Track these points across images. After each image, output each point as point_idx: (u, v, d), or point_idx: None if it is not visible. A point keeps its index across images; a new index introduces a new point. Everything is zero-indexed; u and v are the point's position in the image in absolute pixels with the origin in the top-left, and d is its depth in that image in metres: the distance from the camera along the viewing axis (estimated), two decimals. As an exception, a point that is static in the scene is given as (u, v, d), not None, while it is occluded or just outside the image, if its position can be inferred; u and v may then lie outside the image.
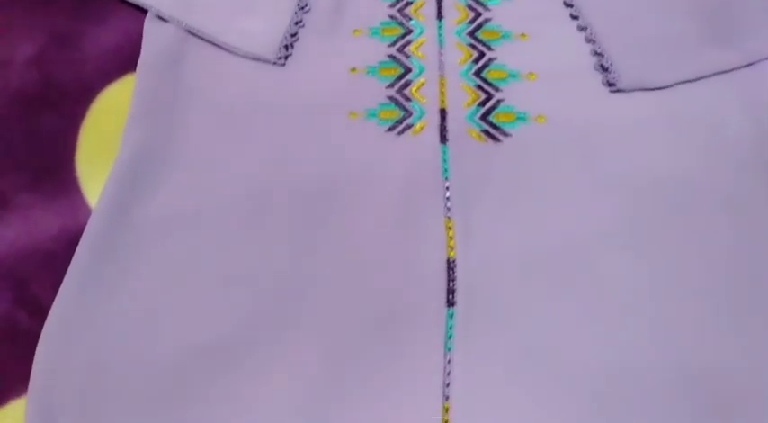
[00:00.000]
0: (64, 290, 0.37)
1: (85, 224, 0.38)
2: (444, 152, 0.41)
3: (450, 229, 0.39)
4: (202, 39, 0.44)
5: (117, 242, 0.38)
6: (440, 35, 0.45)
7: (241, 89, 0.43)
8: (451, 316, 0.37)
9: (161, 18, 0.44)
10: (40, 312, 0.36)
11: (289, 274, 0.38)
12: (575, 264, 0.38)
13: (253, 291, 0.37)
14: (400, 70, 0.44)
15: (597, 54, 0.44)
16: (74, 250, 0.37)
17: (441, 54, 0.44)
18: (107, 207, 0.38)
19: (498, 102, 0.43)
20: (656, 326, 0.37)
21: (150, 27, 0.44)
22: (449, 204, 0.39)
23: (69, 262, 0.37)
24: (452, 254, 0.38)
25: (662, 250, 0.38)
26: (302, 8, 0.45)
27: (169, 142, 0.41)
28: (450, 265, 0.38)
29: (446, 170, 0.40)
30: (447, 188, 0.40)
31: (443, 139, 0.41)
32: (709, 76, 0.43)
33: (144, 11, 0.44)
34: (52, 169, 0.41)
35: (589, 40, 0.44)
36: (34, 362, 0.35)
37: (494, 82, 0.43)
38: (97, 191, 0.39)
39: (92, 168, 0.41)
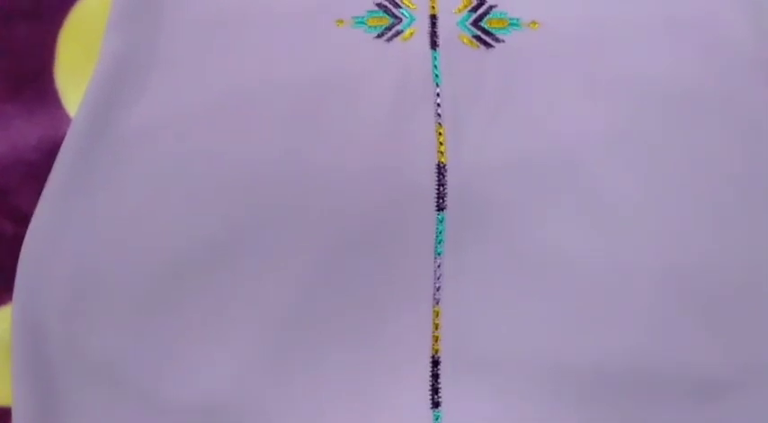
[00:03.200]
0: (45, 199, 0.36)
1: (65, 134, 0.37)
2: (435, 58, 0.40)
3: (440, 134, 0.38)
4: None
5: (99, 148, 0.37)
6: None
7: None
8: (441, 220, 0.36)
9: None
10: (23, 221, 0.36)
11: (276, 179, 0.37)
12: (568, 167, 0.37)
13: (239, 195, 0.37)
14: (390, -7, 0.42)
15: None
16: (54, 160, 0.36)
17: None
18: (88, 113, 0.37)
19: (490, 8, 0.41)
20: (650, 228, 0.36)
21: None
22: (439, 110, 0.38)
23: (50, 172, 0.36)
24: (443, 159, 0.37)
25: (658, 152, 0.38)
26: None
27: (151, 47, 0.39)
28: (441, 170, 0.37)
29: (436, 76, 0.39)
30: (437, 94, 0.39)
31: (434, 44, 0.40)
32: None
33: None
34: (31, 80, 0.40)
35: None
36: (18, 269, 0.35)
37: (487, -9, 0.42)
38: (77, 101, 0.38)
39: (71, 78, 0.40)
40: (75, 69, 0.40)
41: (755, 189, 0.37)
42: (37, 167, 0.38)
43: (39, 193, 0.36)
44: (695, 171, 0.37)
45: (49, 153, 0.37)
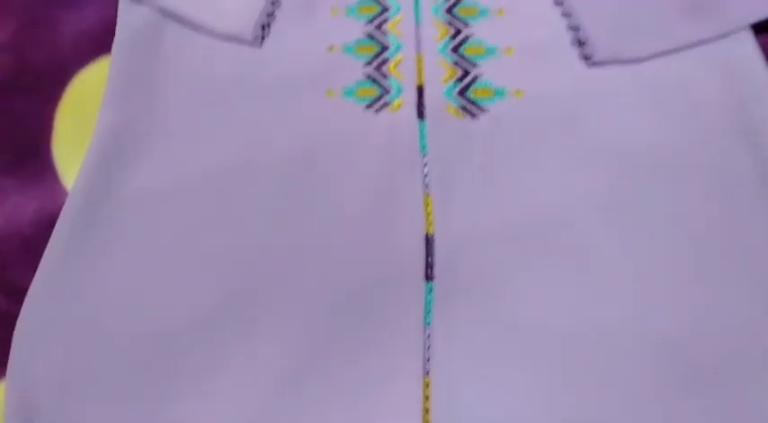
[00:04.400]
0: (41, 272, 0.37)
1: (62, 207, 0.38)
2: (422, 128, 0.41)
3: (428, 204, 0.39)
4: (178, 20, 0.44)
5: (94, 222, 0.38)
6: (417, 13, 0.44)
7: (218, 68, 0.43)
8: (430, 290, 0.37)
9: (136, 0, 0.44)
10: (17, 295, 0.36)
11: (267, 249, 0.38)
12: (553, 235, 0.38)
13: (232, 265, 0.37)
14: (377, 48, 0.43)
15: (573, 28, 0.43)
16: (51, 233, 0.37)
17: (418, 31, 0.44)
18: (84, 187, 0.38)
19: (475, 77, 0.42)
20: (635, 295, 0.37)
21: (125, 9, 0.43)
22: (427, 180, 0.39)
23: (46, 245, 0.37)
24: (431, 229, 0.38)
25: (641, 219, 0.39)
26: (278, -13, 0.45)
27: (145, 119, 0.41)
28: (429, 241, 0.38)
29: (424, 146, 0.40)
30: (425, 164, 0.40)
31: (421, 115, 0.41)
32: (686, 47, 0.43)
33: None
34: (28, 152, 0.41)
35: (565, 15, 0.44)
36: (12, 344, 0.35)
37: (471, 58, 0.43)
38: (74, 174, 0.39)
39: (68, 151, 0.41)
40: (73, 142, 0.41)
41: (738, 254, 0.38)
42: (32, 241, 0.38)
43: (34, 267, 0.37)
44: (678, 238, 0.38)
45: (46, 226, 0.38)
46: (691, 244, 0.38)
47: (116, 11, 0.43)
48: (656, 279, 0.37)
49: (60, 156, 0.41)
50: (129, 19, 0.43)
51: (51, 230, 0.37)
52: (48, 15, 0.45)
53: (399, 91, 0.42)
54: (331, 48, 0.43)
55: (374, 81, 0.42)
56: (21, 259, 0.38)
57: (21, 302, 0.36)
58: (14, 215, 0.39)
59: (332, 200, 0.39)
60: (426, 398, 0.35)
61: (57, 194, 0.40)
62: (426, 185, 0.39)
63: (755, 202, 0.39)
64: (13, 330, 0.35)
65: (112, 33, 0.43)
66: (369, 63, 0.43)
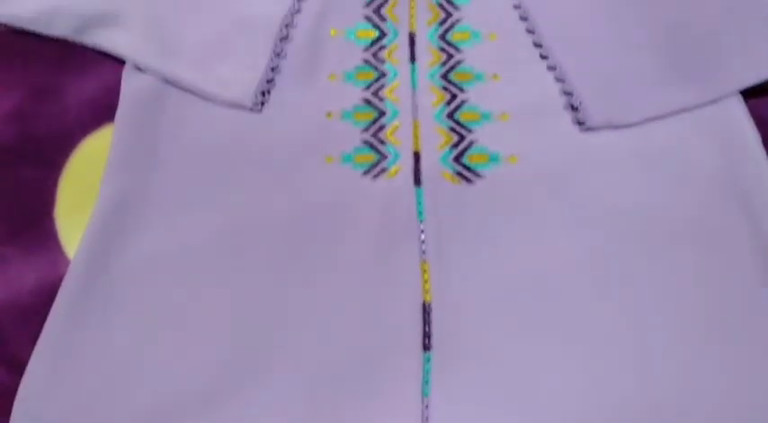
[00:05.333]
0: (41, 345, 0.37)
1: (63, 276, 0.38)
2: (418, 195, 0.41)
3: (425, 271, 0.39)
4: (179, 87, 0.45)
5: (95, 293, 0.38)
6: (413, 78, 0.46)
7: (218, 135, 0.44)
8: (428, 360, 0.37)
9: (139, 68, 0.45)
10: (17, 368, 0.36)
11: (265, 319, 0.38)
12: (549, 302, 0.39)
13: (230, 335, 0.38)
14: (375, 114, 0.44)
15: (567, 93, 0.44)
16: (52, 304, 0.37)
17: (414, 97, 0.45)
18: (84, 259, 0.39)
19: (471, 143, 0.43)
20: (631, 362, 0.37)
21: (128, 77, 0.45)
22: (424, 247, 0.40)
23: (47, 316, 0.37)
24: (428, 297, 0.38)
25: (635, 285, 0.39)
26: (278, 54, 0.46)
27: (146, 190, 0.41)
28: (426, 309, 0.38)
29: (420, 213, 0.41)
30: (422, 231, 0.40)
31: (417, 181, 0.42)
32: (677, 112, 0.43)
33: (123, 61, 0.45)
34: (30, 222, 0.41)
35: (558, 80, 0.45)
36: (11, 418, 0.35)
37: (466, 123, 0.44)
38: (76, 243, 0.39)
39: (71, 220, 0.41)
40: (75, 212, 0.41)
41: (734, 326, 0.38)
42: (32, 311, 0.38)
43: (34, 338, 0.37)
44: (672, 310, 0.38)
45: (47, 297, 0.38)
46: (683, 310, 0.39)
47: (119, 78, 0.44)
48: (652, 352, 0.38)
49: (63, 225, 0.41)
50: (132, 87, 0.44)
51: (52, 300, 0.37)
52: (52, 84, 0.46)
53: (396, 157, 0.43)
54: (329, 114, 0.44)
55: (371, 147, 0.43)
56: (20, 330, 0.38)
57: (20, 376, 0.36)
58: (15, 284, 0.40)
59: (329, 267, 0.39)
60: (425, 470, 0.35)
61: (58, 264, 0.40)
62: (423, 252, 0.40)
63: (752, 273, 0.39)
64: (12, 404, 0.35)
65: (116, 101, 0.44)
66: (366, 129, 0.44)
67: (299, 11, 0.47)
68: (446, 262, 0.39)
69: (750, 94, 0.44)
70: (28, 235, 0.41)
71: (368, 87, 0.45)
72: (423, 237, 0.40)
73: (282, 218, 0.41)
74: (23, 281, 0.40)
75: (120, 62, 0.45)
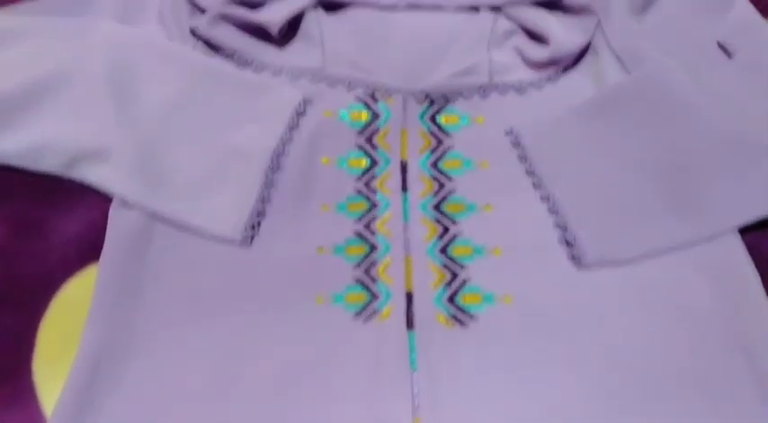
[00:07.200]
0: None
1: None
2: (411, 339, 0.40)
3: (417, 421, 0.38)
4: (168, 222, 0.44)
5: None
6: (405, 209, 0.45)
7: (206, 273, 0.43)
8: None
9: (126, 204, 0.44)
10: None
11: None
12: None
13: None
14: (366, 249, 0.44)
15: (560, 226, 0.44)
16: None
17: (406, 231, 0.44)
18: (63, 415, 0.37)
19: (464, 281, 0.42)
20: None
21: (115, 214, 0.44)
22: (417, 401, 0.38)
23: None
24: (420, 454, 0.37)
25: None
26: (268, 185, 0.45)
27: (130, 336, 0.40)
28: (419, 468, 0.37)
29: (413, 361, 0.40)
30: (414, 382, 0.39)
31: (410, 324, 0.41)
32: (674, 249, 0.43)
33: (110, 197, 0.44)
34: (8, 372, 0.39)
35: (552, 212, 0.45)
36: None
37: (459, 259, 0.43)
38: (54, 398, 0.37)
39: (50, 371, 0.39)
40: (55, 361, 0.40)
41: None
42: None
43: None
44: None
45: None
46: None
47: (106, 214, 0.44)
48: None
49: (41, 377, 0.40)
50: (118, 225, 0.43)
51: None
52: (37, 220, 0.45)
53: (388, 297, 0.42)
54: (320, 249, 0.44)
55: (363, 286, 0.42)
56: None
57: None
58: (-11, 444, 0.38)
59: (318, 413, 0.38)
60: None
61: (35, 420, 0.38)
62: (417, 407, 0.38)
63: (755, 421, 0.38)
64: None
65: (102, 239, 0.43)
66: (358, 265, 0.43)
67: (290, 140, 0.47)
68: (439, 411, 0.38)
69: (750, 228, 0.44)
70: (4, 388, 0.39)
71: (360, 219, 0.45)
72: (415, 389, 0.39)
73: (271, 361, 0.40)
74: (-2, 439, 0.38)
75: (107, 197, 0.44)
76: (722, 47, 0.49)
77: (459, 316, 0.41)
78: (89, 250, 0.43)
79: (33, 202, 0.45)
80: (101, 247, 0.42)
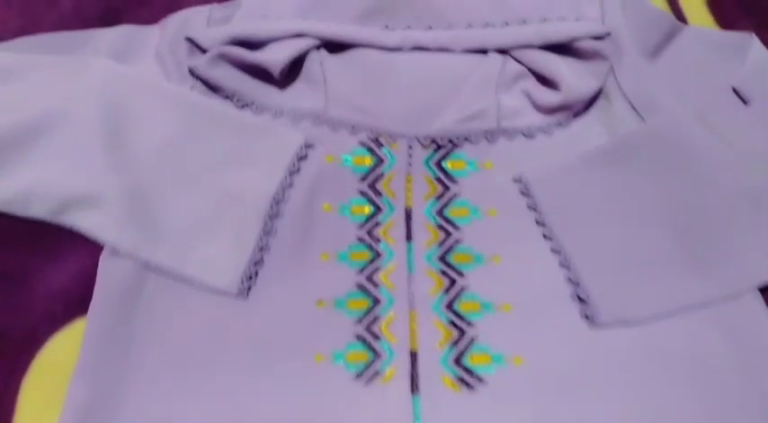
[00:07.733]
0: None
1: None
2: (416, 405, 0.38)
3: None
4: (161, 273, 0.42)
5: None
6: (409, 260, 0.43)
7: (199, 327, 0.40)
8: None
9: (117, 252, 0.42)
10: None
11: None
12: None
13: None
14: (369, 303, 0.41)
15: (573, 282, 0.42)
16: None
17: (410, 283, 0.42)
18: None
19: (472, 340, 0.40)
20: None
21: (105, 264, 0.42)
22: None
23: None
24: None
25: None
26: (267, 232, 0.43)
27: (117, 400, 0.38)
28: None
29: (417, 430, 0.37)
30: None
31: (414, 387, 0.39)
32: (691, 308, 0.41)
33: (101, 246, 0.42)
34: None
35: (563, 265, 0.43)
36: None
37: (466, 315, 0.41)
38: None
39: (32, 434, 0.37)
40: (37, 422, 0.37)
41: None
42: None
43: None
44: None
45: None
46: None
47: (96, 263, 0.42)
48: None
49: (22, 441, 0.37)
50: (109, 275, 0.41)
51: None
52: (25, 270, 0.43)
53: (391, 356, 0.40)
54: (320, 302, 0.41)
55: (365, 343, 0.40)
56: None
57: None
58: None
59: None
60: None
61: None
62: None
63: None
64: None
65: (90, 291, 0.41)
66: (359, 320, 0.41)
67: (290, 185, 0.45)
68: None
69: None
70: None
71: (362, 270, 0.43)
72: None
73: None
74: None
75: (98, 244, 0.42)
76: (737, 93, 0.48)
77: (467, 378, 0.39)
78: (77, 303, 0.41)
79: (18, 250, 0.43)
80: (89, 299, 0.40)
